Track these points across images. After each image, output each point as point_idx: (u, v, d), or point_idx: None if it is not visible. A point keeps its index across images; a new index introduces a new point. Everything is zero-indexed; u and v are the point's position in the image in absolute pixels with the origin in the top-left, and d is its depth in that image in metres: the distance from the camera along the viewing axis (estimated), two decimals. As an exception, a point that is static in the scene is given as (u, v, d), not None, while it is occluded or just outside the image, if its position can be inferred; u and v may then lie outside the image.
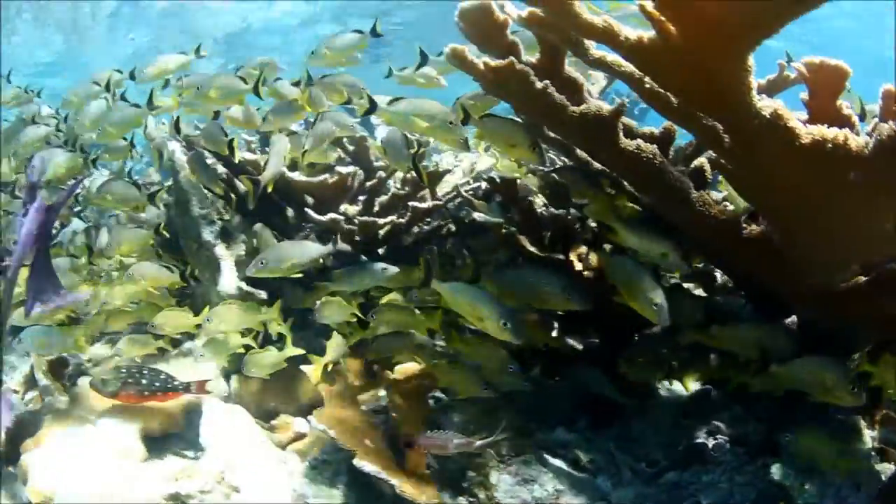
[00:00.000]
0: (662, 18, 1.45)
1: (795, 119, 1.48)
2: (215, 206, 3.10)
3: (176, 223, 3.25)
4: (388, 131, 2.58)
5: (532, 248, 2.44)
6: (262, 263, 2.58)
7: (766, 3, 1.31)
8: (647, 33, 1.53)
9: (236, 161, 3.03)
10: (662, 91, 1.72)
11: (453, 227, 3.00)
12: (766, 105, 1.50)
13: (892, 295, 1.90)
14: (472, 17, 2.09)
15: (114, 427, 2.68)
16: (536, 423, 2.51)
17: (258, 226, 2.97)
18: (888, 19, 11.70)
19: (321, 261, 2.69)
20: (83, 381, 2.94)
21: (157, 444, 2.73)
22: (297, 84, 2.88)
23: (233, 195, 3.03)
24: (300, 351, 2.70)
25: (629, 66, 1.75)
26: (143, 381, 2.63)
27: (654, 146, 1.94)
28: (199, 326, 2.85)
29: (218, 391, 2.91)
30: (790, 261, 1.92)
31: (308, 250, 2.62)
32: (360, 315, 2.64)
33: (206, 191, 3.06)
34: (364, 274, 2.61)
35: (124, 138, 3.30)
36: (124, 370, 2.63)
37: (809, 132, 1.45)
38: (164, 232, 3.17)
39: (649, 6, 1.45)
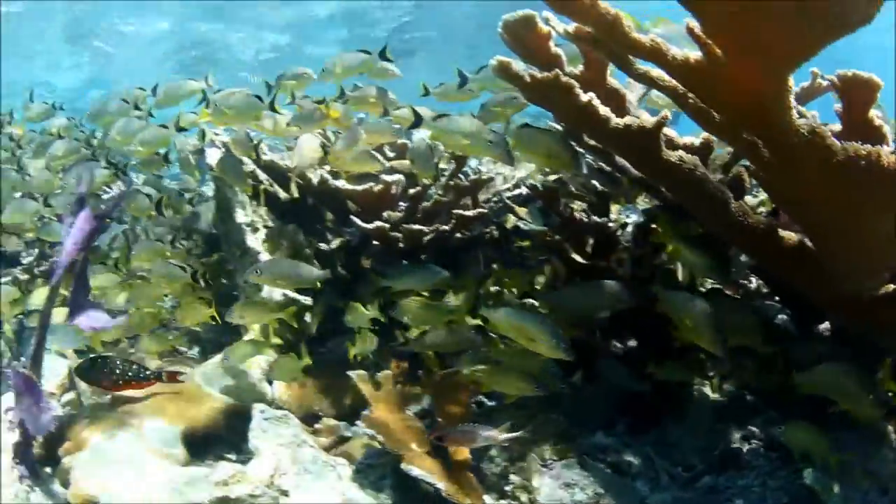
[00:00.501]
0: (709, 41, 1.64)
1: (832, 136, 1.66)
2: (259, 214, 3.33)
3: (219, 229, 3.48)
4: (415, 141, 2.80)
5: (575, 256, 2.62)
6: (258, 272, 2.83)
7: (807, 30, 1.50)
8: (694, 54, 1.71)
9: (261, 163, 3.30)
10: (704, 106, 1.90)
11: (496, 234, 3.18)
12: (804, 123, 1.67)
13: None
14: (516, 29, 2.25)
15: (156, 430, 2.87)
16: (577, 428, 2.68)
17: (291, 227, 3.23)
18: (889, 17, 12.02)
19: (318, 284, 2.93)
20: (124, 384, 3.16)
21: (198, 447, 2.92)
22: (320, 102, 3.08)
23: (261, 191, 3.27)
24: (307, 361, 2.88)
25: (672, 82, 1.91)
26: (117, 371, 2.85)
27: (696, 157, 2.11)
28: (214, 319, 3.14)
29: (263, 395, 3.10)
30: (824, 268, 2.08)
31: (304, 272, 2.85)
32: (381, 318, 2.85)
33: (249, 198, 3.29)
34: (419, 274, 2.78)
35: (157, 153, 3.59)
36: (100, 361, 2.85)
37: (845, 149, 1.63)
38: (180, 245, 3.43)
39: (697, 29, 1.65)
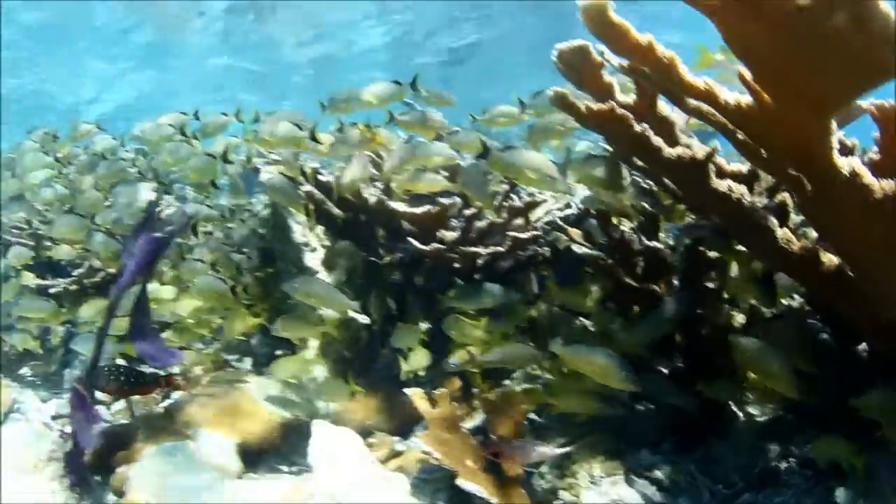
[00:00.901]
0: (759, 88, 1.90)
1: (870, 175, 1.91)
2: (315, 233, 3.65)
3: (275, 246, 3.80)
4: (468, 165, 3.07)
5: (628, 279, 2.89)
6: (295, 286, 3.16)
7: (851, 80, 1.74)
8: (744, 98, 1.96)
9: (308, 184, 3.61)
10: (752, 143, 2.16)
11: (548, 254, 3.47)
12: (845, 162, 1.92)
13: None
14: (569, 59, 2.49)
15: (212, 442, 3.16)
16: (625, 445, 2.94)
17: (345, 243, 3.54)
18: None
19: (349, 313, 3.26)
20: (178, 396, 3.47)
21: (253, 459, 3.22)
22: (367, 126, 3.40)
23: (311, 211, 3.55)
24: (359, 389, 3.23)
25: (722, 118, 2.16)
26: (122, 378, 3.20)
27: (743, 187, 2.37)
28: (264, 328, 3.51)
29: (317, 409, 3.40)
30: (864, 295, 2.31)
31: (337, 298, 3.16)
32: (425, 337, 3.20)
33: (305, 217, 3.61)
34: (484, 294, 3.08)
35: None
36: (107, 369, 3.18)
37: (882, 188, 1.88)
38: (219, 269, 3.79)
39: (748, 77, 1.91)
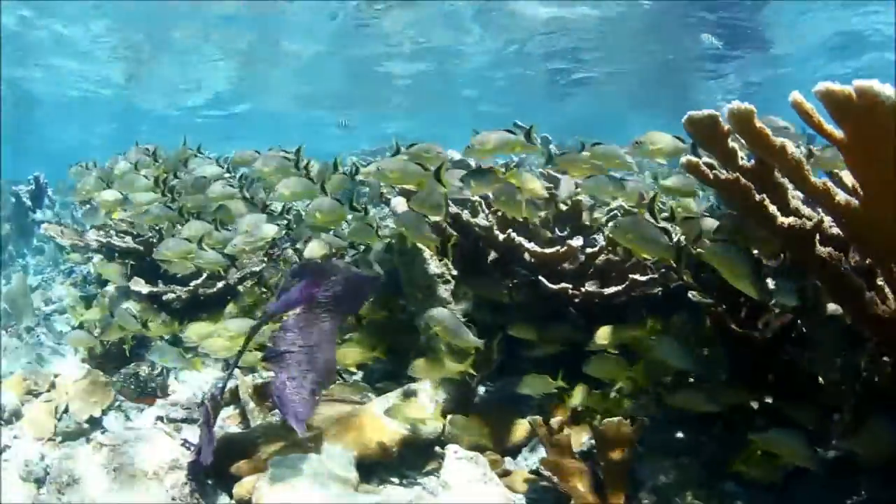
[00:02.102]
0: (865, 198, 2.99)
1: None
2: (445, 265, 4.68)
3: (402, 274, 4.87)
4: (637, 219, 3.98)
5: (733, 326, 3.88)
6: (430, 317, 4.13)
7: None
8: (853, 200, 3.05)
9: (443, 222, 4.61)
10: (853, 226, 3.22)
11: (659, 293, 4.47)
12: None
13: None
14: (699, 125, 3.33)
15: (333, 454, 4.01)
16: (713, 476, 3.91)
17: (476, 281, 4.60)
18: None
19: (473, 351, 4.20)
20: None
21: (369, 473, 4.14)
22: (507, 168, 4.38)
23: (450, 246, 4.49)
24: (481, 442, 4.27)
25: (830, 205, 3.18)
26: (132, 388, 4.82)
27: (841, 254, 3.36)
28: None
29: (435, 429, 4.35)
30: None
31: (463, 335, 4.12)
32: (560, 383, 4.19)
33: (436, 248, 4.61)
34: (677, 354, 3.96)
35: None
36: (124, 376, 4.89)
37: None
38: None
39: (860, 189, 2.98)
